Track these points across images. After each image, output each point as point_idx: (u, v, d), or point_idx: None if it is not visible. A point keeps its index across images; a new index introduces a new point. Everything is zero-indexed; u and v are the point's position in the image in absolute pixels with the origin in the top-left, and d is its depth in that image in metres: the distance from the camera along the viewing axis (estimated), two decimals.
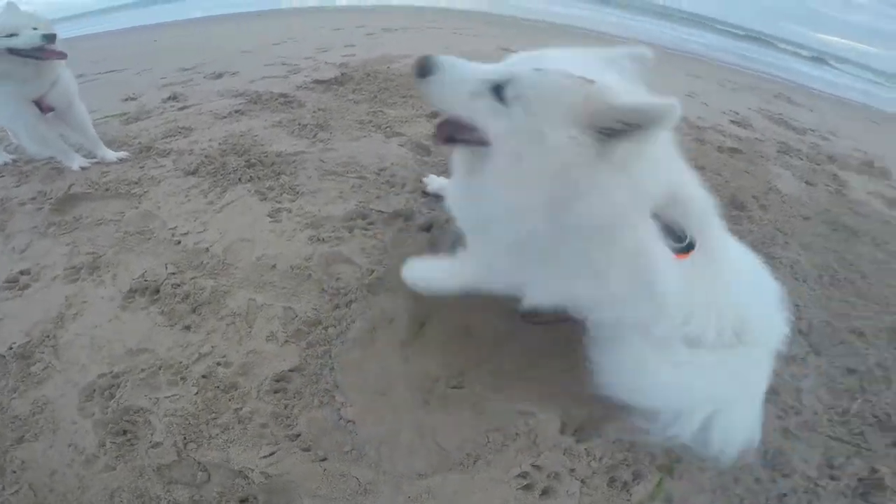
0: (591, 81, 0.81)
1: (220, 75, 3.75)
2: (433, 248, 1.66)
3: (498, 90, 0.87)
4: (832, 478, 1.22)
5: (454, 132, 0.97)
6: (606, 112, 0.78)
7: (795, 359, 1.51)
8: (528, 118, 0.84)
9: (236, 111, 2.69)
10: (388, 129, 2.42)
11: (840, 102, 9.25)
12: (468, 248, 1.21)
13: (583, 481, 1.12)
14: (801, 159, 3.56)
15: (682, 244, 0.99)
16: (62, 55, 1.94)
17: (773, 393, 1.35)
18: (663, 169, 0.93)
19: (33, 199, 2.00)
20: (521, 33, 8.07)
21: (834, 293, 1.85)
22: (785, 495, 1.17)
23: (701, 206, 1.01)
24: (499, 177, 0.90)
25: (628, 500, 1.10)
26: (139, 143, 2.39)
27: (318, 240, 1.63)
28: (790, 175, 3.14)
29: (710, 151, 3.19)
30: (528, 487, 1.11)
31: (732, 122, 4.18)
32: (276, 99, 2.85)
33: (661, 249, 0.97)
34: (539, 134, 0.82)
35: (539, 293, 1.11)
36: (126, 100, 3.21)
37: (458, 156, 1.08)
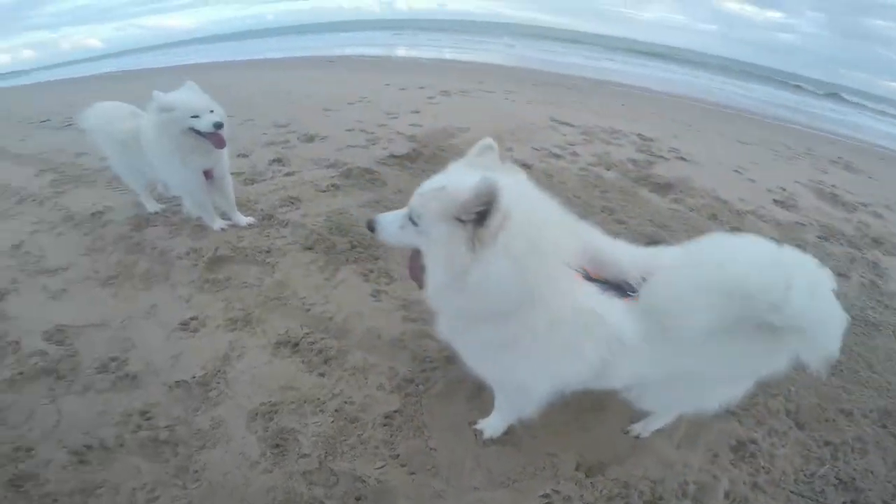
0: (443, 187, 1.15)
1: (311, 138, 4.59)
2: None
3: (411, 218, 1.24)
4: None
5: (414, 265, 1.35)
6: (452, 206, 1.09)
7: (777, 431, 1.93)
8: (423, 227, 1.18)
9: (333, 185, 3.44)
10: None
11: None
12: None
13: None
14: (843, 245, 3.76)
15: (637, 293, 1.24)
16: (223, 144, 2.48)
17: (749, 456, 1.81)
18: (557, 238, 1.16)
19: (188, 254, 2.72)
20: (566, 94, 8.70)
21: (832, 381, 2.20)
22: None
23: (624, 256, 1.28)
24: (428, 270, 1.21)
25: None
26: (261, 209, 3.15)
27: (410, 319, 2.26)
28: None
29: None
30: None
31: (776, 201, 4.45)
32: (363, 175, 3.59)
33: (602, 306, 1.20)
34: (427, 234, 1.17)
35: (540, 385, 1.38)
36: (239, 156, 4.03)
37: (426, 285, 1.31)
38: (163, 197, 3.34)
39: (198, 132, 2.38)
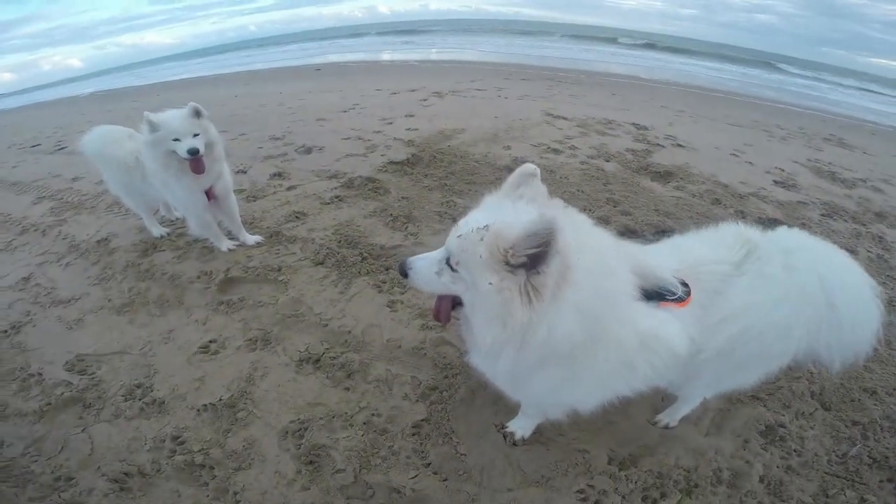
0: (486, 227, 1.01)
1: (309, 150, 4.62)
2: None
3: (449, 262, 1.13)
4: None
5: (444, 309, 1.26)
6: (501, 250, 0.96)
7: (804, 413, 1.96)
8: (467, 275, 1.07)
9: (336, 196, 3.45)
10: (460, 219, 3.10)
11: None
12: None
13: (623, 497, 1.62)
14: (846, 221, 3.83)
15: (675, 296, 1.21)
16: (200, 170, 2.45)
17: (779, 440, 1.84)
18: (620, 277, 1.10)
19: (199, 277, 2.74)
20: (557, 87, 8.75)
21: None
22: None
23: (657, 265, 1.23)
24: (475, 325, 1.11)
25: None
26: (266, 227, 3.16)
27: (427, 327, 2.29)
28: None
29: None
30: (584, 500, 1.61)
31: (776, 182, 4.52)
32: (366, 184, 3.61)
33: (658, 324, 1.18)
34: (472, 283, 1.05)
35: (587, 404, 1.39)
36: (237, 172, 4.06)
37: (462, 328, 1.29)
38: (166, 220, 3.35)
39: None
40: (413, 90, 7.82)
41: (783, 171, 4.89)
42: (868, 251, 3.36)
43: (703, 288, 1.28)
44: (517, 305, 0.98)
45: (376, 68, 12.77)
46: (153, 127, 2.33)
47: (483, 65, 13.14)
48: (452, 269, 1.12)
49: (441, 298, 1.27)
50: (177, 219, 3.35)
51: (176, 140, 2.36)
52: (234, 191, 2.96)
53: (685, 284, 1.26)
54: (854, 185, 4.81)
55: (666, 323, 1.21)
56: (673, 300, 1.22)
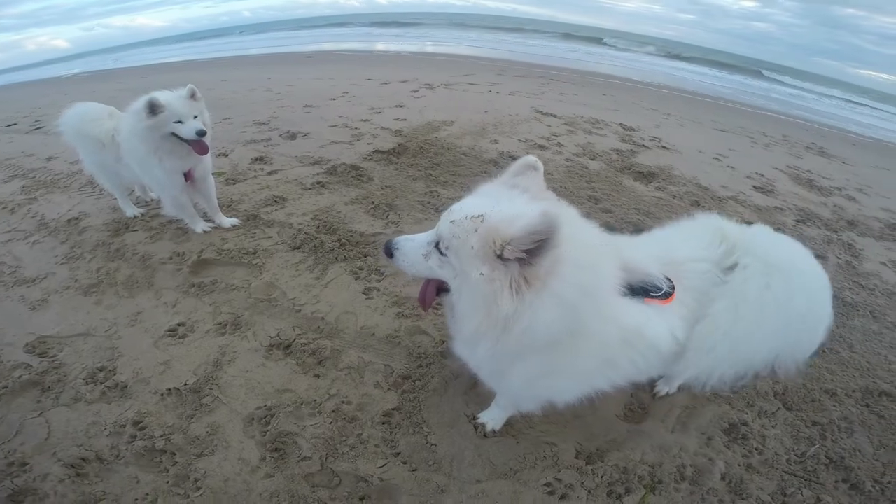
0: (481, 217, 1.00)
1: (293, 135, 4.53)
2: None
3: (438, 246, 1.11)
4: (784, 503, 1.66)
5: (429, 294, 1.22)
6: (495, 242, 0.96)
7: (767, 412, 1.98)
8: (455, 262, 1.06)
9: (318, 182, 3.39)
10: (443, 210, 3.05)
11: (880, 147, 9.30)
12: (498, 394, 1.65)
13: (589, 491, 1.62)
14: (819, 227, 3.90)
15: (661, 292, 1.22)
16: (205, 151, 2.48)
17: (742, 438, 1.85)
18: (606, 272, 1.10)
19: (171, 258, 2.66)
20: (548, 85, 8.74)
21: (815, 362, 2.28)
22: None
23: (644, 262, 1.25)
24: (459, 312, 1.10)
25: None
26: (244, 210, 3.09)
27: (403, 316, 2.25)
28: None
29: None
30: (551, 493, 1.61)
31: (755, 187, 4.57)
32: (349, 172, 3.55)
33: (643, 320, 1.19)
34: (461, 271, 1.04)
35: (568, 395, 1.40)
36: (219, 155, 3.97)
37: (447, 314, 1.28)
38: (141, 200, 3.25)
39: (180, 137, 2.38)
40: (405, 81, 7.73)
41: (763, 176, 4.95)
42: (837, 257, 3.43)
43: (685, 286, 1.29)
44: (505, 296, 0.98)
45: (369, 58, 12.61)
46: (156, 108, 2.29)
47: (477, 60, 13.07)
48: (441, 254, 1.09)
49: (427, 282, 1.23)
50: (152, 199, 3.25)
51: (178, 122, 2.35)
52: (214, 173, 2.90)
53: (669, 280, 1.26)
54: (830, 193, 4.90)
55: (651, 320, 1.21)
56: (658, 297, 1.22)
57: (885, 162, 7.57)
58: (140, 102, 2.32)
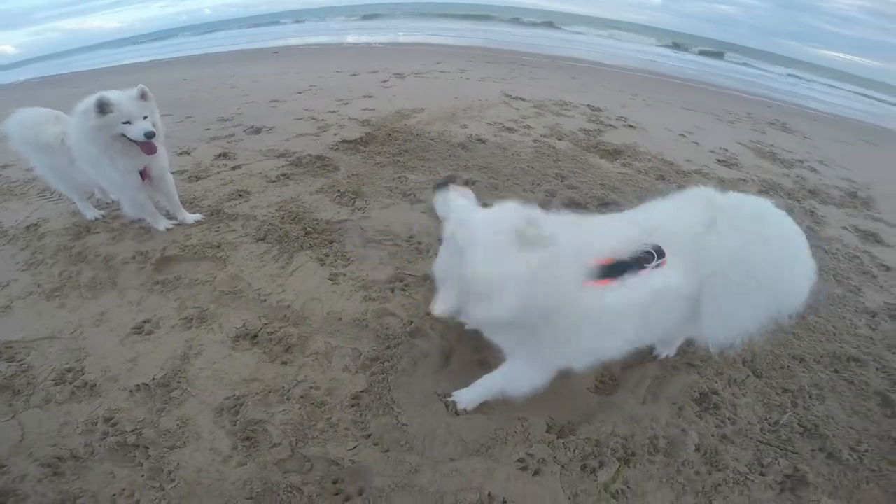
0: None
1: (258, 130, 4.46)
2: None
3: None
4: (761, 474, 1.67)
5: None
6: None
7: (737, 381, 2.02)
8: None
9: (283, 174, 3.35)
10: (411, 195, 3.09)
11: (839, 122, 9.65)
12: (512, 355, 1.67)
13: (563, 466, 1.64)
14: (782, 196, 4.02)
15: (655, 262, 1.40)
16: (153, 151, 2.45)
17: (713, 407, 1.88)
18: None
19: (134, 258, 2.62)
20: (519, 70, 8.76)
21: (782, 327, 2.35)
22: (720, 485, 1.62)
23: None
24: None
25: (595, 481, 1.60)
26: (208, 205, 3.05)
27: (370, 299, 2.26)
28: None
29: None
30: (524, 468, 1.62)
31: (719, 161, 4.69)
32: (315, 162, 3.52)
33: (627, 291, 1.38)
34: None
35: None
36: (181, 154, 3.90)
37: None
38: (102, 203, 3.18)
39: (128, 138, 2.35)
40: (374, 72, 7.66)
41: (727, 151, 5.07)
42: (800, 224, 3.54)
43: (677, 250, 1.46)
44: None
45: (337, 51, 12.43)
46: (105, 108, 2.25)
47: (449, 48, 12.99)
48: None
49: None
50: (113, 201, 3.18)
51: (126, 123, 2.31)
52: (176, 172, 2.86)
53: (659, 249, 1.42)
54: (792, 165, 5.06)
55: (637, 289, 1.39)
56: (654, 265, 1.40)
57: (843, 136, 7.86)
58: (87, 102, 2.27)
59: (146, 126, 2.34)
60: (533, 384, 1.61)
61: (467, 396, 1.80)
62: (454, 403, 1.80)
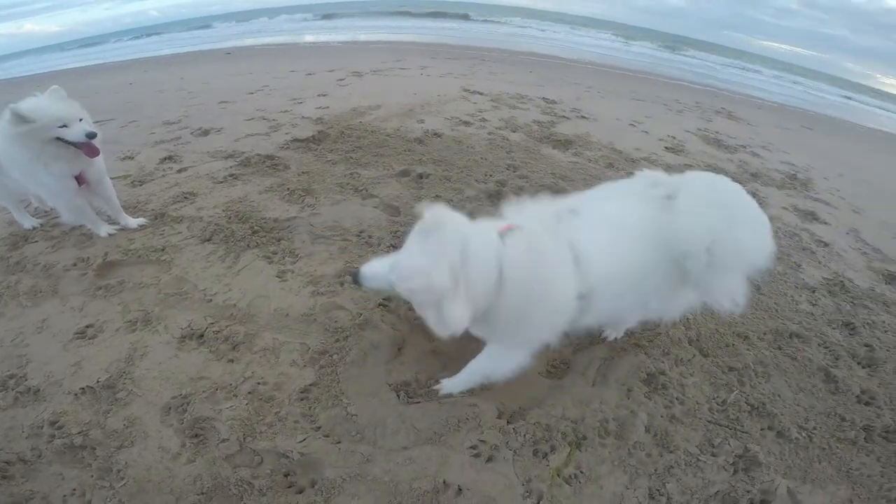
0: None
1: (206, 132, 4.38)
2: None
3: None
4: (713, 454, 1.69)
5: None
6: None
7: (683, 360, 2.07)
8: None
9: (231, 175, 3.32)
10: (363, 191, 3.12)
11: (781, 110, 10.25)
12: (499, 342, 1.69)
13: (515, 451, 1.65)
14: None
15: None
16: (96, 153, 2.40)
17: (661, 388, 1.91)
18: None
19: (75, 264, 2.55)
20: (479, 66, 8.89)
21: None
22: (672, 467, 1.64)
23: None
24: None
25: (547, 466, 1.62)
26: (152, 209, 2.99)
27: (318, 293, 2.28)
28: None
29: None
30: (477, 455, 1.64)
31: (667, 148, 4.91)
32: (264, 162, 3.50)
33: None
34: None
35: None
36: (124, 158, 3.80)
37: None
38: (40, 211, 3.07)
39: (66, 141, 2.28)
40: (331, 70, 7.61)
41: (675, 138, 5.32)
42: None
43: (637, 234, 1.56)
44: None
45: (294, 50, 12.26)
46: (24, 119, 2.17)
47: (411, 45, 13.01)
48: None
49: None
50: (51, 209, 3.07)
51: (63, 126, 2.24)
52: (118, 177, 2.79)
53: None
54: (736, 151, 5.36)
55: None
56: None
57: (785, 122, 8.38)
58: (13, 112, 2.19)
59: (86, 126, 2.28)
60: (518, 364, 1.63)
61: (454, 383, 1.82)
62: (439, 386, 1.84)
